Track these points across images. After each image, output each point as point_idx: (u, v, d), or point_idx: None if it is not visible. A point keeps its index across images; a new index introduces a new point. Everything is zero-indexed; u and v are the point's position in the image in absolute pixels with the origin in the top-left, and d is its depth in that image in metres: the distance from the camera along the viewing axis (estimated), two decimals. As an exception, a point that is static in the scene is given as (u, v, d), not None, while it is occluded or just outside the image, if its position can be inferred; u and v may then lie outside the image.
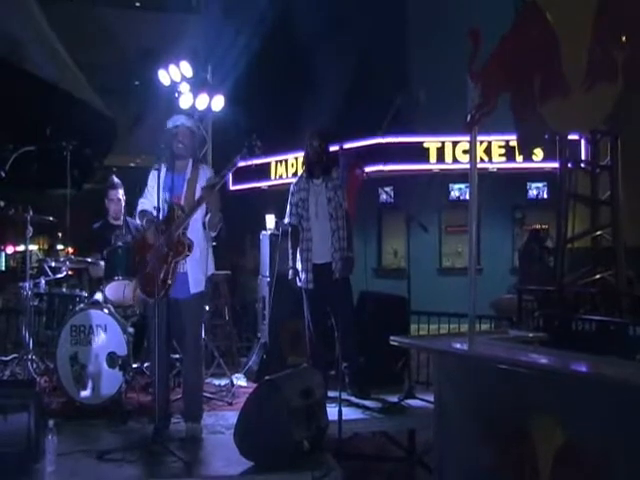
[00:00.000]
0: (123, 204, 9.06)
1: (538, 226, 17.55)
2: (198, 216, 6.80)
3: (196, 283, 6.88)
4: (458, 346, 5.56)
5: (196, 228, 6.82)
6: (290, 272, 8.40)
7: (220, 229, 6.96)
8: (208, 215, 6.79)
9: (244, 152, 6.56)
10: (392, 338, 5.97)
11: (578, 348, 6.00)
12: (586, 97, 4.61)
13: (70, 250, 10.14)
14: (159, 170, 6.72)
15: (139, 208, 7.15)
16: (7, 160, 9.11)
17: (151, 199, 6.95)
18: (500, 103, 5.38)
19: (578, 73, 4.64)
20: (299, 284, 8.30)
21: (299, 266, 8.30)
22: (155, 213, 6.74)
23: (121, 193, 9.10)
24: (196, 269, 6.86)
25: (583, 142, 13.44)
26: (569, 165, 10.98)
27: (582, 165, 11.31)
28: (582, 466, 4.13)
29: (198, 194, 6.73)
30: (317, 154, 8.35)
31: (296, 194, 8.42)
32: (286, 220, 8.54)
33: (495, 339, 5.95)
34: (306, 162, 8.59)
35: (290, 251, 8.44)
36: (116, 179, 9.20)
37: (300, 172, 8.93)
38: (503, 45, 5.34)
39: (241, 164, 6.65)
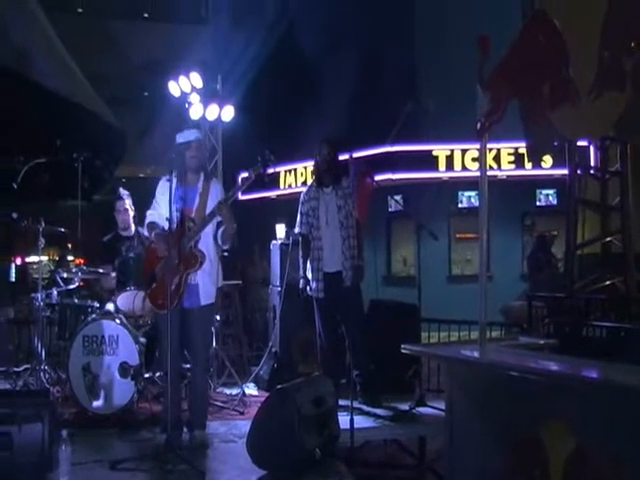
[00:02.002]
0: (131, 214, 9.08)
1: (545, 232, 17.45)
2: (209, 229, 6.85)
3: (207, 295, 6.94)
4: (469, 353, 5.56)
5: (207, 241, 6.88)
6: (301, 282, 8.41)
7: (232, 242, 7.01)
8: (221, 228, 6.84)
9: (258, 167, 6.62)
10: (403, 346, 5.97)
11: (589, 354, 6.02)
12: (595, 104, 4.64)
13: (81, 261, 10.16)
14: (171, 181, 6.75)
15: (147, 220, 7.18)
16: (19, 172, 9.16)
17: (160, 210, 7.00)
18: (509, 110, 5.40)
19: (587, 80, 4.66)
20: (310, 293, 8.32)
21: (310, 275, 8.32)
22: (164, 225, 6.79)
23: (128, 203, 9.12)
24: (207, 281, 6.92)
25: (592, 148, 13.40)
26: (578, 171, 10.97)
27: (591, 171, 11.29)
28: (593, 472, 4.13)
29: (209, 208, 6.78)
30: (327, 163, 8.36)
31: (306, 203, 8.43)
32: (296, 230, 8.55)
33: (506, 346, 5.96)
34: (316, 171, 8.61)
35: (301, 260, 8.46)
36: (122, 190, 9.23)
37: (310, 181, 8.94)
38: (512, 53, 5.37)
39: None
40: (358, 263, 8.29)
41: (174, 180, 6.81)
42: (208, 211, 6.77)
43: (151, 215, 7.15)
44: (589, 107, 4.72)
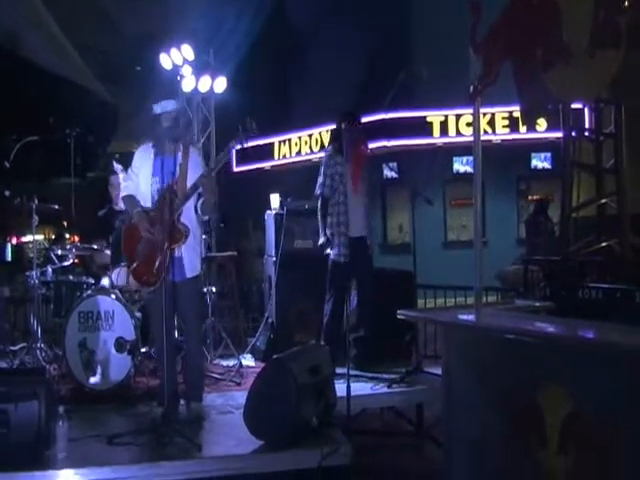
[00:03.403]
0: (125, 189, 9.05)
1: (545, 197, 17.44)
2: (190, 201, 6.77)
3: (192, 267, 6.93)
4: (465, 317, 5.57)
5: (189, 213, 6.82)
6: (321, 239, 8.48)
7: (212, 213, 6.95)
8: (202, 199, 6.77)
9: (239, 136, 6.51)
10: (399, 312, 5.95)
11: (585, 316, 5.99)
12: (589, 64, 4.60)
13: (75, 238, 10.13)
14: (152, 152, 6.76)
15: (123, 193, 7.11)
16: (11, 150, 9.12)
17: (136, 181, 6.94)
18: (503, 74, 5.36)
19: (581, 40, 4.62)
20: (330, 256, 8.41)
21: (334, 240, 8.44)
22: (141, 199, 6.81)
23: (122, 178, 9.09)
24: (191, 253, 6.89)
25: (586, 111, 13.35)
26: (573, 134, 10.92)
27: (586, 134, 11.24)
28: (590, 434, 4.13)
29: (190, 178, 6.69)
30: (348, 133, 8.52)
31: (332, 167, 8.50)
32: (318, 191, 8.57)
33: (502, 309, 5.96)
34: (338, 141, 8.67)
35: (320, 220, 8.51)
36: (117, 164, 9.19)
37: (328, 146, 8.99)
38: (504, 15, 5.33)
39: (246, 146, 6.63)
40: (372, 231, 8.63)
41: (152, 151, 6.77)
42: (189, 182, 6.68)
43: (127, 187, 7.07)
44: (583, 68, 4.68)
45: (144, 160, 6.84)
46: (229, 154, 6.72)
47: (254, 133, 6.51)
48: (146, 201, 6.82)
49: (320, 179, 8.53)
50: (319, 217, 8.51)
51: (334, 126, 8.81)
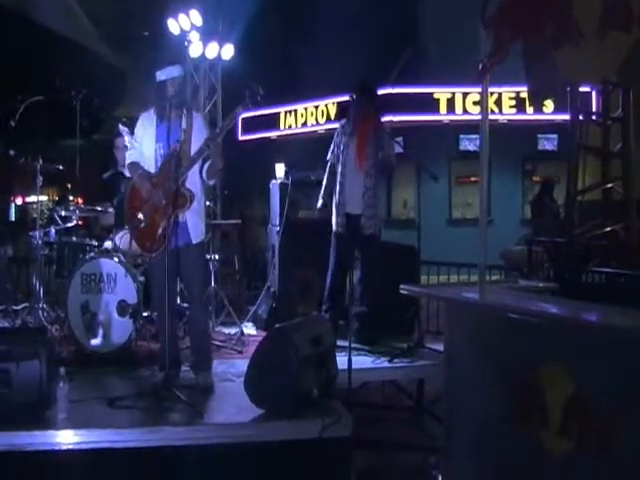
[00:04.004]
0: (131, 152, 9.05)
1: (551, 177, 17.39)
2: (195, 166, 6.70)
3: (196, 233, 6.83)
4: (469, 295, 5.56)
5: (194, 178, 6.73)
6: (320, 202, 8.59)
7: (217, 178, 6.91)
8: (207, 164, 6.70)
9: (246, 102, 6.46)
10: (402, 287, 5.96)
11: (588, 299, 6.00)
12: (599, 46, 4.56)
13: (79, 200, 10.14)
14: (154, 119, 6.73)
15: (128, 160, 7.03)
16: (17, 110, 9.09)
17: (141, 149, 6.90)
18: (511, 54, 5.33)
19: (592, 21, 4.58)
20: (333, 227, 8.47)
21: (333, 209, 8.50)
22: (146, 165, 6.76)
23: (128, 140, 9.06)
24: (196, 219, 6.80)
25: (594, 94, 13.31)
26: (580, 117, 10.90)
27: (593, 117, 11.22)
28: (591, 416, 4.14)
29: (194, 143, 6.63)
30: (361, 107, 8.50)
31: (340, 136, 8.58)
32: (328, 156, 8.69)
33: (505, 288, 5.96)
34: (350, 114, 8.69)
35: (324, 183, 8.63)
36: (122, 127, 9.15)
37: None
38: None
39: (251, 114, 6.61)
40: (378, 212, 8.50)
41: (155, 117, 6.74)
42: (193, 147, 6.62)
43: (131, 155, 6.99)
44: (592, 50, 4.65)
45: (147, 127, 6.79)
46: (235, 119, 6.67)
47: (261, 98, 6.47)
48: (151, 168, 6.77)
49: (331, 145, 8.64)
50: (324, 180, 8.67)
51: (347, 97, 8.73)
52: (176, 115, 6.76)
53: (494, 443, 5.08)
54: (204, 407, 6.12)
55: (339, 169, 8.43)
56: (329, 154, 8.63)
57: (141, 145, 6.89)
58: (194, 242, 6.81)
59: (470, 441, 5.41)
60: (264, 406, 5.99)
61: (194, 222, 6.80)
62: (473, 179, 19.87)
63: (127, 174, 8.84)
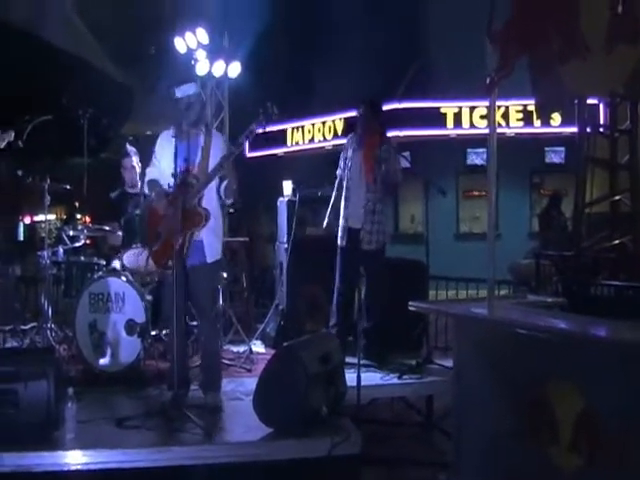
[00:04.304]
0: (138, 171, 9.06)
1: (559, 191, 17.38)
2: (212, 185, 6.70)
3: (212, 251, 6.81)
4: (478, 311, 5.54)
5: (211, 197, 6.73)
6: (325, 221, 8.53)
7: (235, 197, 6.90)
8: (224, 183, 6.71)
9: (260, 119, 6.49)
10: (411, 303, 5.94)
11: (597, 313, 5.96)
12: (606, 59, 4.56)
13: (87, 219, 10.14)
14: (175, 137, 6.68)
15: (147, 177, 7.03)
16: (24, 130, 9.11)
17: (160, 167, 6.91)
18: (518, 67, 5.32)
19: (598, 35, 4.58)
20: (338, 240, 8.45)
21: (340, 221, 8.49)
22: (165, 182, 6.73)
23: (135, 161, 9.11)
24: (212, 237, 6.79)
25: (602, 106, 13.30)
26: (588, 129, 10.88)
27: (601, 129, 11.20)
28: (602, 432, 4.11)
29: (212, 162, 6.64)
30: (366, 122, 8.47)
31: (347, 150, 8.57)
32: (338, 171, 8.66)
33: (514, 304, 5.94)
34: (356, 129, 8.68)
35: (331, 201, 8.57)
36: (130, 147, 9.20)
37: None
38: (522, 6, 5.28)
39: (258, 131, 6.61)
40: (380, 228, 8.36)
41: (173, 135, 6.74)
42: (211, 166, 6.63)
43: (150, 172, 7.00)
44: (599, 63, 4.64)
45: (166, 145, 6.78)
46: (250, 137, 6.67)
47: (275, 117, 6.49)
48: (171, 186, 6.78)
49: (340, 161, 8.64)
50: (333, 195, 8.63)
51: (354, 113, 8.73)
52: (195, 133, 6.80)
53: (503, 459, 5.06)
54: (213, 426, 6.10)
55: (344, 183, 8.43)
56: (338, 169, 8.61)
57: (160, 163, 6.89)
58: (209, 261, 6.80)
59: (479, 457, 5.39)
60: (273, 425, 5.97)
61: (210, 241, 6.79)
62: (480, 193, 19.88)
63: (134, 190, 8.91)
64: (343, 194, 8.44)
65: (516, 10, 5.29)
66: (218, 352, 7.29)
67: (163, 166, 6.79)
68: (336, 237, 8.47)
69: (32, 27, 14.42)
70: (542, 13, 5.13)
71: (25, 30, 14.17)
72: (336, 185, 8.61)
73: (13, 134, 7.88)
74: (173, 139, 6.66)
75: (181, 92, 6.79)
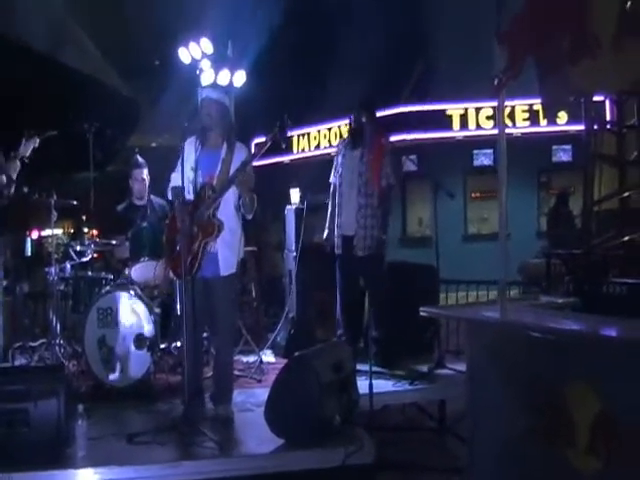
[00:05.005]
0: (147, 184, 9.06)
1: (566, 189, 17.37)
2: (230, 198, 6.68)
3: (227, 265, 6.77)
4: (490, 314, 5.48)
5: (227, 209, 6.71)
6: (325, 232, 8.57)
7: (254, 211, 6.86)
8: (241, 198, 6.69)
9: (276, 132, 6.47)
10: (422, 309, 5.90)
11: (610, 312, 5.90)
12: (616, 57, 4.51)
13: (94, 232, 10.12)
14: (183, 148, 6.67)
15: (171, 183, 6.98)
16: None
17: (183, 174, 6.87)
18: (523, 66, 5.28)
19: (608, 33, 4.53)
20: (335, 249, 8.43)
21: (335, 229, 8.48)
22: (187, 192, 6.70)
23: (145, 173, 9.09)
24: (226, 251, 6.74)
25: (608, 103, 13.26)
26: (595, 126, 10.83)
27: (608, 126, 11.15)
28: (621, 434, 4.05)
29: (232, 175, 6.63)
30: (358, 125, 8.43)
31: (337, 156, 8.58)
32: (331, 178, 8.64)
33: (527, 305, 5.89)
34: (350, 130, 8.65)
35: (329, 210, 8.57)
36: (140, 159, 9.19)
37: (346, 136, 8.99)
38: (530, 4, 5.23)
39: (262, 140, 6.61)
40: (374, 233, 8.23)
41: (192, 146, 6.72)
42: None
43: (175, 179, 6.93)
44: (609, 61, 4.59)
45: (188, 153, 6.74)
46: (265, 148, 6.63)
47: (290, 128, 6.49)
48: (190, 194, 6.74)
49: (333, 167, 8.62)
50: (329, 206, 8.64)
51: (353, 117, 8.58)
52: (216, 143, 6.82)
53: (518, 463, 5.01)
54: (224, 439, 6.05)
55: (338, 190, 8.43)
56: (331, 177, 8.59)
57: (182, 171, 6.84)
58: (222, 274, 6.76)
59: (493, 461, 5.33)
60: (285, 436, 5.93)
61: (225, 254, 6.75)
62: (488, 194, 19.86)
63: (141, 202, 8.88)
64: (337, 201, 8.43)
65: (528, 8, 5.23)
66: (230, 364, 7.21)
67: (186, 173, 6.73)
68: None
69: (35, 42, 14.42)
70: (552, 12, 5.08)
71: (28, 46, 14.16)
72: (331, 193, 8.60)
73: (38, 141, 7.90)
74: (196, 147, 6.65)
75: (203, 94, 6.83)
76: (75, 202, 9.03)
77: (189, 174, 6.64)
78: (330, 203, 8.58)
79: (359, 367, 6.95)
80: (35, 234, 14.66)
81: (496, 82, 5.39)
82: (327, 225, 8.59)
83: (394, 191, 8.66)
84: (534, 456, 4.79)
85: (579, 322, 5.02)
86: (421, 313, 5.89)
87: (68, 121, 9.83)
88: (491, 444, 5.32)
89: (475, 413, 5.57)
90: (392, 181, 8.37)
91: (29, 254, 12.73)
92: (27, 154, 7.86)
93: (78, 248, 8.91)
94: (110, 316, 7.72)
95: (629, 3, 4.40)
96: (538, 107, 18.77)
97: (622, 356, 4.12)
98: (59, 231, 13.26)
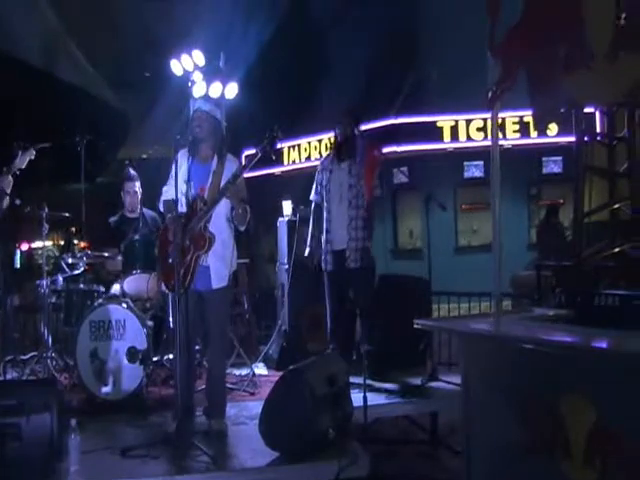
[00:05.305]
0: (139, 196, 9.05)
1: (555, 201, 17.41)
2: (222, 210, 6.69)
3: (219, 278, 6.76)
4: (484, 327, 5.48)
5: (219, 222, 6.71)
6: (307, 250, 8.43)
7: (247, 224, 6.84)
8: (234, 210, 6.69)
9: (266, 143, 6.45)
10: (416, 321, 5.88)
11: (603, 324, 5.91)
12: (611, 68, 4.52)
13: (85, 244, 10.11)
14: (176, 161, 6.66)
15: (163, 197, 6.99)
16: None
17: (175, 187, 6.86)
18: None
19: (603, 44, 4.54)
20: (322, 265, 8.36)
21: (322, 247, 8.39)
22: (179, 204, 6.67)
23: (137, 185, 9.09)
24: (219, 264, 6.74)
25: (598, 114, 13.28)
26: (585, 138, 10.84)
27: (598, 138, 11.16)
28: (617, 445, 4.05)
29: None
30: (345, 137, 8.42)
31: (321, 172, 8.50)
32: (312, 196, 8.60)
33: (520, 318, 5.88)
34: (334, 143, 8.64)
35: (310, 227, 8.52)
36: (132, 171, 9.19)
37: (325, 153, 8.95)
38: (524, 17, 5.23)
39: (252, 152, 6.60)
40: (365, 245, 8.22)
41: (184, 158, 6.69)
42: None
43: (166, 192, 6.96)
44: (603, 73, 4.60)
45: (181, 165, 6.73)
46: (255, 160, 6.62)
47: (280, 140, 6.46)
48: (182, 206, 6.72)
49: (314, 185, 8.59)
50: (310, 224, 8.60)
51: (338, 130, 8.56)
52: (207, 156, 6.84)
53: (514, 476, 4.99)
54: (218, 453, 6.01)
55: (324, 206, 8.37)
56: (312, 194, 8.56)
57: (175, 183, 6.82)
58: (214, 287, 6.76)
59: (489, 474, 5.32)
60: (279, 449, 5.92)
61: (217, 268, 6.75)
62: (478, 206, 19.87)
63: (133, 215, 8.87)
64: (325, 217, 8.37)
65: (524, 20, 5.24)
66: (223, 377, 7.19)
67: (179, 186, 6.72)
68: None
69: (26, 55, 14.40)
70: (545, 23, 5.09)
71: (20, 59, 14.14)
72: (312, 210, 8.57)
73: (34, 152, 7.88)
74: (188, 159, 6.63)
75: (195, 105, 6.82)
76: (67, 214, 9.02)
77: (182, 186, 6.62)
78: (311, 220, 8.54)
79: (352, 380, 6.93)
80: (25, 246, 14.63)
81: (490, 95, 5.40)
82: (308, 243, 8.56)
83: (384, 202, 8.65)
84: (529, 469, 4.77)
85: (572, 334, 5.01)
86: (415, 325, 5.88)
87: (60, 134, 9.84)
88: (486, 458, 5.31)
89: (470, 426, 5.56)
90: (378, 193, 8.37)
91: (18, 266, 12.70)
92: (23, 166, 7.83)
93: (70, 260, 8.90)
94: (102, 329, 7.70)
95: (623, 15, 4.41)
96: (529, 119, 18.75)
97: (616, 368, 4.12)
98: (49, 243, 13.24)
